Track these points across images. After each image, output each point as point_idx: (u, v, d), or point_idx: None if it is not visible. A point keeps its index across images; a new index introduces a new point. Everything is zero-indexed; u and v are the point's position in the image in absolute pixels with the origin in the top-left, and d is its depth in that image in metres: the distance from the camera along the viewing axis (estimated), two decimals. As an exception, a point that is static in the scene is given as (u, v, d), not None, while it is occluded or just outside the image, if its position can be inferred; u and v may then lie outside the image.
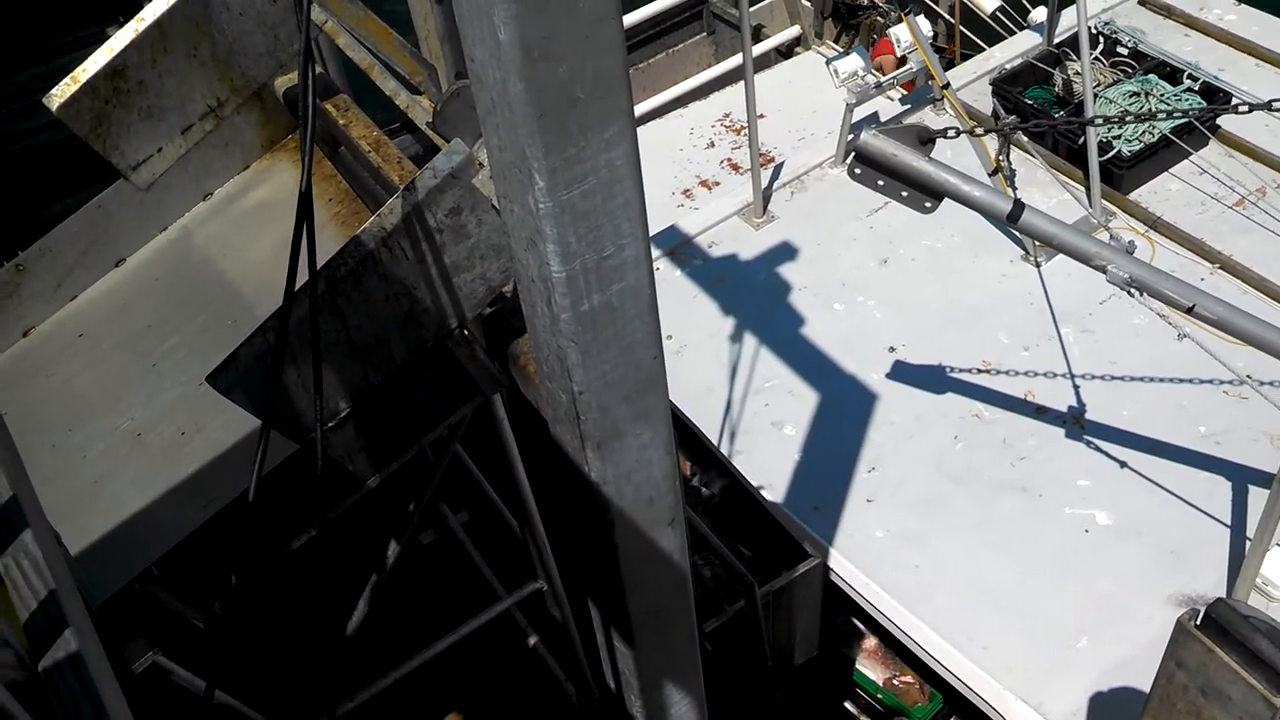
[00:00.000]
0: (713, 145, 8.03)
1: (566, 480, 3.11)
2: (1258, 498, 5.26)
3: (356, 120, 3.97)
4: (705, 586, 5.09)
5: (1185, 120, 6.82)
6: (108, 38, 3.67)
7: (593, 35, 2.12)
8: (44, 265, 4.08)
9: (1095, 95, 6.89)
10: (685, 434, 5.56)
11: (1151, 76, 7.16)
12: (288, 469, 3.18)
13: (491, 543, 5.23)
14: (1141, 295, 4.32)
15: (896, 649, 5.52)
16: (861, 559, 5.36)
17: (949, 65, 8.19)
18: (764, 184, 7.09)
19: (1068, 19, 7.53)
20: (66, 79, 3.64)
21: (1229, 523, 5.33)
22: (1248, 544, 5.04)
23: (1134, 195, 6.84)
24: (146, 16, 3.65)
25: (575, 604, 4.16)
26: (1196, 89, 7.08)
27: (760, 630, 5.10)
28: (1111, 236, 6.44)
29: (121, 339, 4.00)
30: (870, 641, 5.64)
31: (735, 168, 7.80)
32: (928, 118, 7.56)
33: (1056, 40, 7.57)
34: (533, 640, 4.91)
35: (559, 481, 3.20)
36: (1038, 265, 6.56)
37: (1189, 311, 4.29)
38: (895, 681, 5.56)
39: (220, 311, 3.90)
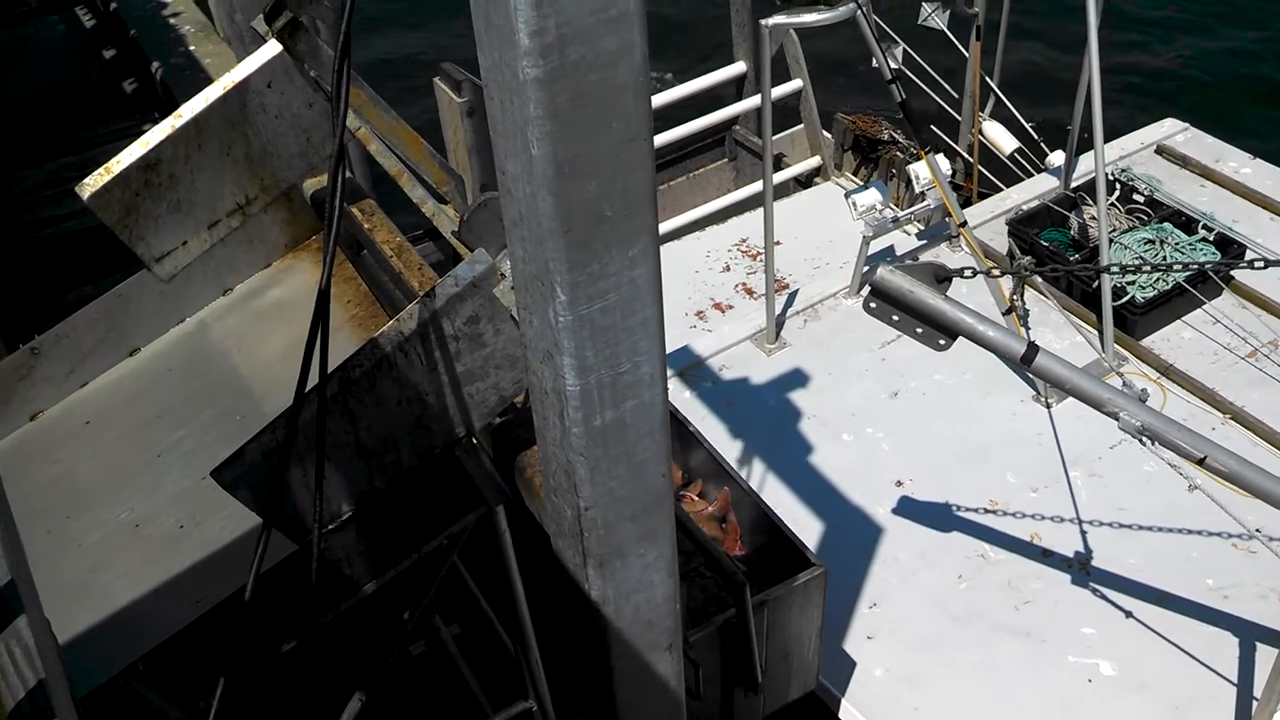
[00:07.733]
0: (728, 269, 8.10)
1: (565, 597, 3.07)
2: (1266, 656, 5.15)
3: (381, 225, 4.02)
4: (694, 601, 4.64)
5: (1200, 269, 6.88)
6: (143, 132, 3.74)
7: (623, 154, 2.15)
8: (59, 350, 4.10)
9: (1110, 241, 6.96)
10: (684, 438, 5.45)
11: (1167, 225, 7.24)
12: (283, 570, 3.13)
13: (482, 658, 5.13)
14: (1153, 444, 4.30)
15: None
16: (860, 698, 5.25)
17: (966, 203, 8.29)
18: (777, 310, 7.13)
19: (1085, 164, 7.64)
20: (100, 169, 3.70)
21: (1235, 680, 5.21)
22: (1254, 704, 4.93)
23: (1146, 341, 6.86)
24: (184, 113, 3.73)
25: (566, 726, 4.06)
26: (1211, 239, 7.15)
27: (750, 640, 4.53)
28: (1124, 382, 6.43)
29: (128, 428, 3.99)
30: (865, 783, 5.49)
31: (749, 292, 7.85)
32: (943, 254, 7.63)
33: (1073, 184, 7.68)
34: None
35: (557, 598, 3.15)
36: (1048, 406, 6.54)
37: (1200, 463, 4.25)
38: (889, 826, 5.39)
39: (229, 407, 3.89)
